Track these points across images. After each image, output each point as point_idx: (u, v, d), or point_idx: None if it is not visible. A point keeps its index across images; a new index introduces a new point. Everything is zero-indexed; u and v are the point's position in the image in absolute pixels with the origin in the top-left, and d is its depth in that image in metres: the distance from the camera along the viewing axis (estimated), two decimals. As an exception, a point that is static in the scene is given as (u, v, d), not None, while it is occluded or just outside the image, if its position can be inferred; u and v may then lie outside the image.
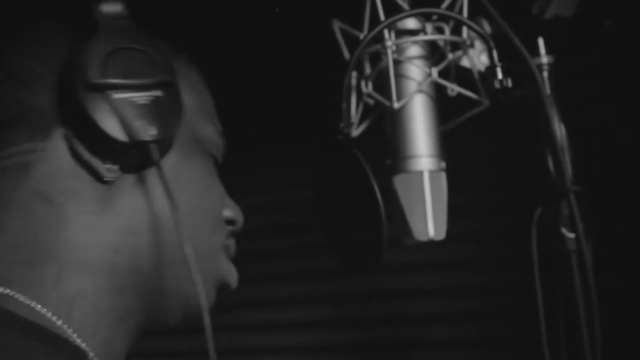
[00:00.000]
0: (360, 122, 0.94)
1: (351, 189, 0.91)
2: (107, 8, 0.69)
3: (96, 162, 0.67)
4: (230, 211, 0.79)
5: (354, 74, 0.94)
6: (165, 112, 0.68)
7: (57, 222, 0.67)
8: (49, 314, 0.65)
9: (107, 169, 0.67)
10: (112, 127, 0.66)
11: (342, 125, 0.92)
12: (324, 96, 0.96)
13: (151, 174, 0.69)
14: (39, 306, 0.65)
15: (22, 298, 0.65)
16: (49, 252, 0.66)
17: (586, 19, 0.97)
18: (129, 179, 0.69)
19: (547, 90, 0.96)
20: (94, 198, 0.68)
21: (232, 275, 0.78)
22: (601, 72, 1.24)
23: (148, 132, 0.67)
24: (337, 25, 0.95)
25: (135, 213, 0.69)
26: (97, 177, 0.68)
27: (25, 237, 0.66)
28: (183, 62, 0.79)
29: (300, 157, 1.05)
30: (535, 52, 0.96)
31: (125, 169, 0.68)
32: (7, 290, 0.65)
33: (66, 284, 0.66)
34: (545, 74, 0.96)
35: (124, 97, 0.67)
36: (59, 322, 0.65)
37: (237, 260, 1.73)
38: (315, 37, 1.01)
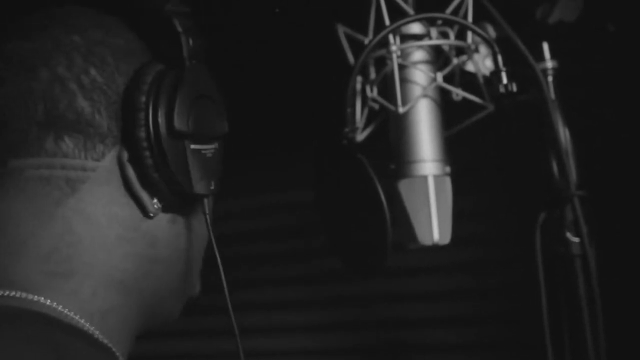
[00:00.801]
0: (365, 126, 0.94)
1: (356, 193, 0.91)
2: (196, 44, 0.68)
3: (145, 196, 0.68)
4: None
5: (359, 78, 0.94)
6: (220, 164, 0.71)
7: (98, 244, 0.67)
8: (83, 321, 0.66)
9: (153, 204, 0.68)
10: (182, 176, 0.67)
11: (346, 129, 0.92)
12: (326, 98, 0.96)
13: (188, 212, 0.71)
14: (73, 314, 0.66)
15: (58, 306, 0.65)
16: (87, 270, 0.67)
17: (589, 24, 0.98)
18: (168, 215, 0.70)
19: (552, 94, 0.96)
20: (134, 226, 0.69)
21: (198, 287, 0.81)
22: (604, 76, 1.24)
23: (209, 187, 0.69)
24: (341, 30, 0.95)
25: (167, 245, 0.71)
26: (142, 209, 0.68)
27: (62, 251, 0.67)
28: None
29: (303, 160, 1.05)
30: (540, 57, 0.96)
31: (167, 209, 0.70)
32: (42, 299, 0.65)
33: (101, 299, 0.67)
34: (550, 78, 0.97)
35: (198, 148, 0.68)
36: (94, 330, 0.66)
37: (239, 262, 1.73)
38: (318, 39, 1.02)
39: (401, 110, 0.90)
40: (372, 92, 0.94)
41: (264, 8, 1.30)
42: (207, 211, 0.70)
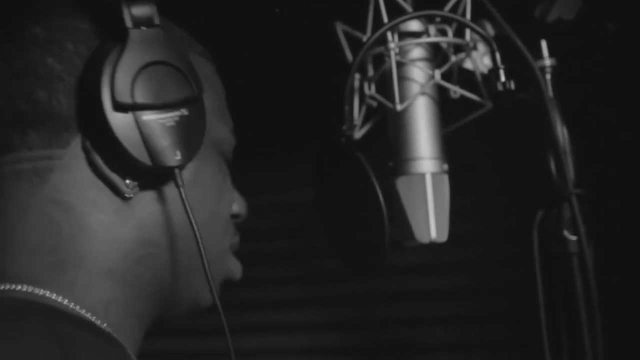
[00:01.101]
0: (363, 124, 0.94)
1: (353, 191, 0.91)
2: (138, 11, 0.65)
3: (115, 178, 0.66)
4: (236, 206, 0.78)
5: (357, 76, 0.94)
6: (191, 131, 0.67)
7: (80, 231, 0.66)
8: (89, 314, 0.65)
9: (127, 185, 0.67)
10: (138, 151, 0.65)
11: (344, 127, 0.92)
12: (326, 97, 0.96)
13: (169, 188, 0.69)
14: (77, 307, 0.65)
15: (60, 299, 0.65)
16: (76, 260, 0.66)
17: (588, 22, 0.98)
18: (148, 193, 0.68)
19: (550, 93, 0.96)
20: (113, 210, 0.67)
21: (237, 269, 0.79)
22: (603, 74, 1.24)
23: (174, 157, 0.66)
24: (340, 27, 0.95)
25: (155, 225, 0.68)
26: (116, 191, 0.67)
27: (47, 242, 0.66)
28: (200, 55, 0.76)
29: (302, 159, 1.05)
30: (538, 55, 0.96)
31: (144, 187, 0.68)
32: (43, 291, 0.65)
33: (98, 290, 0.66)
34: (548, 76, 0.96)
35: (152, 118, 0.65)
36: (98, 322, 0.66)
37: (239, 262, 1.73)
38: (317, 38, 1.01)
39: (399, 107, 0.90)
40: (370, 90, 0.94)
41: (263, 8, 1.30)
42: (180, 183, 0.66)
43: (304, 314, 1.64)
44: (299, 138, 1.49)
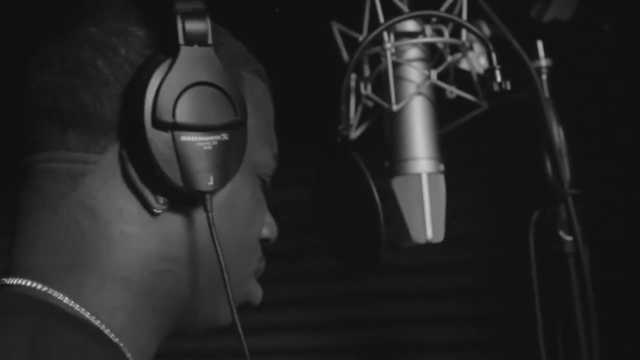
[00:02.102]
0: (359, 124, 0.94)
1: (349, 191, 0.91)
2: (192, 28, 0.64)
3: (146, 191, 0.66)
4: (267, 229, 0.77)
5: (353, 76, 0.94)
6: (229, 157, 0.66)
7: (102, 238, 0.66)
8: (88, 315, 0.65)
9: (157, 200, 0.66)
10: (172, 171, 0.64)
11: (340, 127, 0.92)
12: (322, 96, 0.96)
13: (199, 210, 0.68)
14: (80, 307, 0.65)
15: (63, 298, 0.65)
16: (91, 264, 0.66)
17: (585, 22, 0.98)
18: (177, 212, 0.68)
19: (546, 93, 0.96)
20: (140, 222, 0.67)
21: (257, 295, 0.78)
22: (599, 74, 1.24)
23: (207, 182, 0.64)
24: (336, 27, 0.95)
25: (179, 243, 0.68)
26: (145, 205, 0.66)
27: (67, 244, 0.66)
28: (254, 73, 0.75)
29: (299, 158, 1.05)
30: (534, 55, 0.96)
31: (173, 205, 0.67)
32: (47, 289, 0.65)
33: (107, 295, 0.66)
34: (544, 77, 0.97)
35: (190, 140, 0.64)
36: (99, 324, 0.65)
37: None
38: (314, 38, 1.01)
39: (395, 107, 0.90)
40: (367, 90, 0.94)
41: (263, 8, 1.30)
42: (209, 209, 0.65)
43: (299, 313, 1.64)
44: (295, 137, 1.49)
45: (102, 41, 0.67)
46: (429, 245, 0.91)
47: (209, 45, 0.65)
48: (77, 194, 0.66)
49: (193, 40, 0.64)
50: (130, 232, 0.66)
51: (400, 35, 0.92)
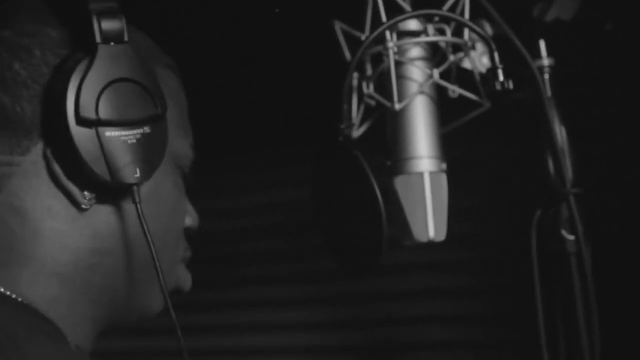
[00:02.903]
0: (361, 123, 0.94)
1: (351, 190, 0.91)
2: (109, 26, 0.66)
3: (73, 188, 0.67)
4: (189, 219, 0.79)
5: (355, 74, 0.94)
6: (152, 149, 0.68)
7: (33, 236, 0.68)
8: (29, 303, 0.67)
9: (84, 196, 0.68)
10: (98, 166, 0.66)
11: (342, 126, 0.92)
12: (324, 96, 0.96)
13: (126, 202, 0.70)
14: (17, 297, 0.67)
15: (6, 291, 0.67)
16: (24, 260, 0.67)
17: (587, 22, 0.98)
18: (105, 205, 0.69)
19: (548, 92, 0.96)
20: (69, 219, 0.68)
21: (187, 281, 0.80)
22: (601, 74, 1.25)
23: (134, 174, 0.66)
24: (338, 26, 0.95)
25: (109, 236, 0.70)
26: (73, 201, 0.68)
27: (0, 243, 0.68)
28: (166, 67, 0.76)
29: (300, 158, 1.05)
30: (536, 54, 0.96)
31: (101, 199, 0.69)
32: None
33: (42, 288, 0.68)
34: (546, 76, 0.97)
35: (114, 135, 0.66)
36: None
37: (236, 261, 1.73)
38: (315, 37, 1.01)
39: (397, 106, 0.90)
40: (369, 89, 0.94)
41: (263, 7, 1.30)
42: (137, 200, 0.67)
43: (298, 313, 1.64)
44: (297, 136, 1.49)
45: (17, 44, 0.68)
46: (430, 244, 0.91)
47: (125, 42, 0.67)
48: (4, 196, 0.68)
49: (109, 38, 0.66)
50: (60, 229, 0.68)
51: (403, 34, 0.92)
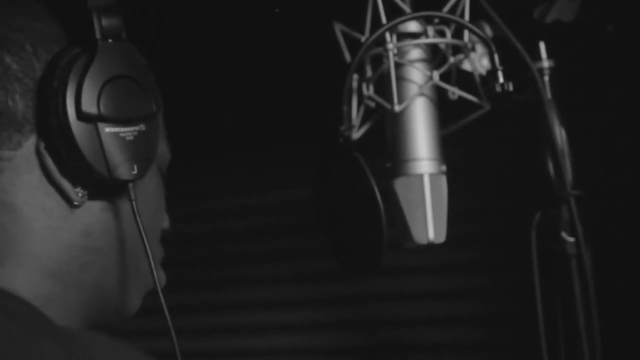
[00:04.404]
0: (361, 124, 0.94)
1: (351, 191, 0.91)
2: (109, 24, 0.66)
3: (66, 185, 0.67)
4: (165, 222, 0.79)
5: (355, 76, 0.94)
6: (147, 147, 0.68)
7: (26, 233, 0.67)
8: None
9: (76, 193, 0.67)
10: (97, 162, 0.65)
11: (343, 127, 0.92)
12: (324, 97, 0.96)
13: (118, 199, 0.70)
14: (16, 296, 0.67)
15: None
16: (18, 258, 0.67)
17: (587, 24, 0.98)
18: (97, 202, 0.69)
19: (548, 94, 0.96)
20: (62, 216, 0.68)
21: (162, 279, 0.79)
22: (602, 76, 1.24)
23: (131, 171, 0.67)
24: (338, 28, 0.95)
25: (101, 234, 0.69)
26: (65, 197, 0.67)
27: None
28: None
29: (300, 158, 1.05)
30: (537, 56, 0.96)
31: (93, 196, 0.68)
32: None
33: (38, 287, 0.67)
34: (546, 78, 0.97)
35: (114, 131, 0.66)
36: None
37: (236, 261, 1.73)
38: (315, 38, 1.01)
39: (397, 108, 0.90)
40: (369, 90, 0.94)
41: (263, 8, 1.30)
42: (132, 197, 0.67)
43: (298, 314, 1.64)
44: (297, 138, 1.49)
45: (7, 37, 0.67)
46: (430, 246, 0.91)
47: (123, 40, 0.67)
48: None
49: (109, 35, 0.66)
50: (53, 225, 0.67)
51: (403, 36, 0.92)
